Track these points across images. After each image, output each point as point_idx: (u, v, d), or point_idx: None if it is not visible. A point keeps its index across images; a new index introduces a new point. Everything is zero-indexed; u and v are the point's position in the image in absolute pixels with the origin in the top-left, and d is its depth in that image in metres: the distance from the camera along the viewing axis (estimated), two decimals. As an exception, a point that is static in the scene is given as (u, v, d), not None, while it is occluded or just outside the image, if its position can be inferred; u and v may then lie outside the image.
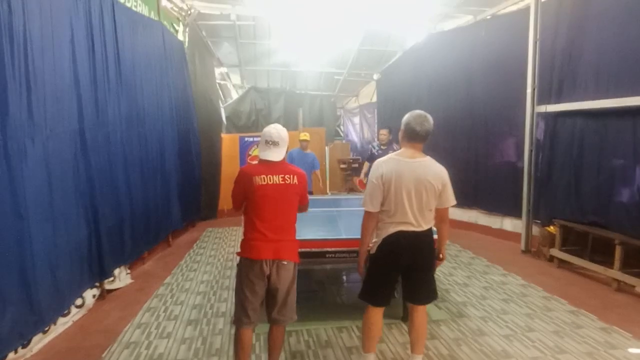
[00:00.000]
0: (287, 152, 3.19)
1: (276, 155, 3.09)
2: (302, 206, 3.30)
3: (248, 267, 3.03)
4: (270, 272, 3.01)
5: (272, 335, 3.21)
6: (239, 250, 3.15)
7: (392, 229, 3.11)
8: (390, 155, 3.22)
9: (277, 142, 3.10)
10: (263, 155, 3.10)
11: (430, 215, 3.16)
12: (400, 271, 3.23)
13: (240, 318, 3.08)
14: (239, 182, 3.11)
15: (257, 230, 3.05)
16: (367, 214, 3.21)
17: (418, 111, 3.22)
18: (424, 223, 3.13)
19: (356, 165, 13.51)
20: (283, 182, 3.06)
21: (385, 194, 3.10)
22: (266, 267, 3.00)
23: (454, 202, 3.21)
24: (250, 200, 3.06)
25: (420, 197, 3.07)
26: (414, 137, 3.15)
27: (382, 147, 7.27)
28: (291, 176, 3.10)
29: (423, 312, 3.31)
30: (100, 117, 4.94)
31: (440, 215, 3.24)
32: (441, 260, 3.39)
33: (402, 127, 3.21)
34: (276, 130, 3.14)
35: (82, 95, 4.54)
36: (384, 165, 3.15)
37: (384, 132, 7.40)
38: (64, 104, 4.22)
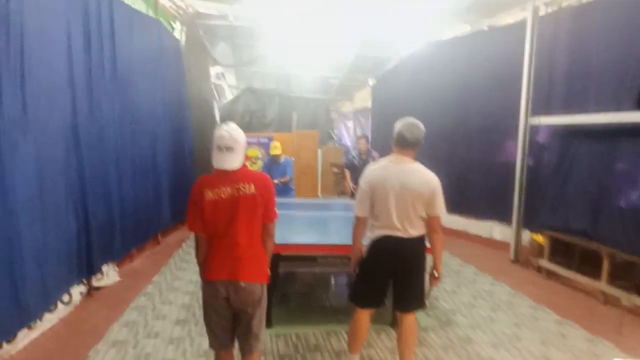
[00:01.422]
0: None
1: (231, 162, 2.60)
2: (267, 220, 2.74)
3: (205, 288, 2.74)
4: (227, 294, 2.65)
5: None
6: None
7: (379, 233, 3.20)
8: (381, 161, 3.28)
9: (231, 147, 2.60)
10: (216, 163, 2.62)
11: (419, 222, 3.16)
12: (388, 276, 3.26)
13: (210, 340, 2.81)
14: (191, 198, 2.69)
15: (212, 249, 2.70)
16: (357, 219, 3.28)
17: (409, 118, 3.27)
18: (411, 229, 3.14)
19: (349, 169, 13.55)
20: (238, 194, 2.62)
21: (373, 199, 3.16)
22: (222, 289, 2.64)
23: (442, 212, 3.18)
24: (203, 216, 2.64)
25: (404, 203, 3.09)
26: (404, 143, 3.20)
27: (361, 156, 7.21)
28: (247, 185, 2.63)
29: (410, 321, 3.29)
30: (93, 113, 4.92)
31: (430, 224, 3.20)
32: (436, 279, 3.26)
33: (394, 134, 3.25)
34: (228, 132, 2.61)
35: (76, 91, 4.53)
36: (373, 171, 3.23)
37: (362, 141, 7.35)
38: (57, 99, 4.20)
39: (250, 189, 2.63)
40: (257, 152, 11.24)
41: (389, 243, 3.16)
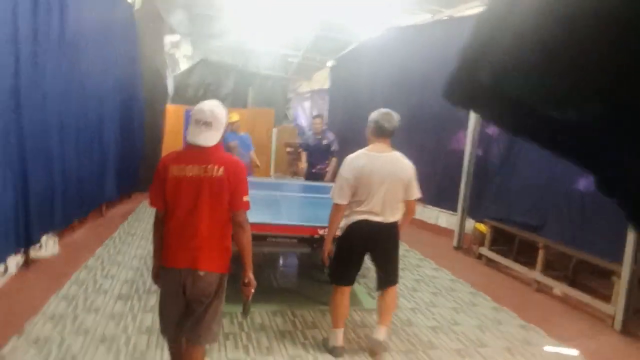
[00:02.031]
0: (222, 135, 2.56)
1: (206, 138, 2.46)
2: (234, 208, 2.53)
3: (163, 274, 2.58)
4: (185, 282, 2.48)
5: (185, 357, 2.65)
6: None
7: (359, 217, 3.36)
8: (360, 151, 3.42)
9: (209, 123, 2.45)
10: (190, 137, 2.48)
11: (398, 208, 3.42)
12: (363, 256, 3.53)
13: (161, 328, 2.67)
14: (156, 172, 2.54)
15: (172, 233, 2.53)
16: (336, 206, 3.40)
17: (384, 109, 3.46)
18: (390, 216, 3.39)
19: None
20: (203, 175, 2.44)
21: (356, 187, 3.30)
22: (180, 277, 2.48)
23: (419, 194, 3.51)
24: (165, 194, 2.49)
25: (393, 190, 3.34)
26: (383, 132, 3.40)
27: (316, 136, 7.18)
28: (215, 167, 2.45)
29: (393, 291, 3.62)
30: (37, 77, 4.65)
31: (409, 207, 3.55)
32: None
33: (370, 124, 3.44)
34: (210, 107, 2.50)
35: (19, 53, 4.26)
36: (355, 160, 3.37)
37: (317, 120, 7.29)
38: (-1, 57, 3.94)
39: (219, 171, 2.45)
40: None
41: (368, 227, 3.36)
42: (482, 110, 1.14)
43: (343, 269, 3.56)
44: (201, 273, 2.47)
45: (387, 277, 3.58)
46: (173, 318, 2.58)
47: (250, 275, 2.61)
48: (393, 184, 3.33)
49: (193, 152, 2.50)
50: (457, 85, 0.94)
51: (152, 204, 2.59)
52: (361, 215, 3.35)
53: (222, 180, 2.45)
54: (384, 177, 3.31)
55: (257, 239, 4.15)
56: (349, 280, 3.59)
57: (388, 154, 3.40)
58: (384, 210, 3.35)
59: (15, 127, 4.30)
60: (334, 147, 7.11)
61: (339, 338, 3.58)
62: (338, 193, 3.36)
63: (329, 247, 3.54)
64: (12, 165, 4.29)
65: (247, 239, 2.58)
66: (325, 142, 7.12)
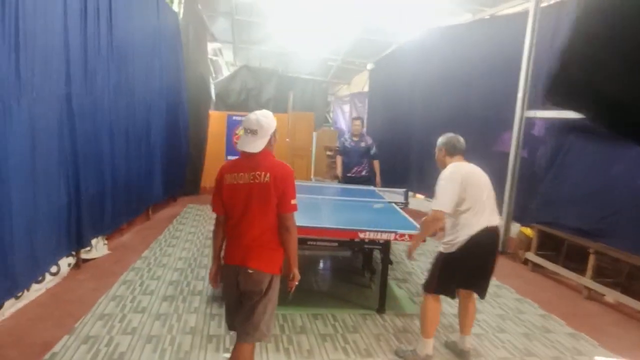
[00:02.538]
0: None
1: (252, 145, 2.63)
2: (281, 211, 2.66)
3: (223, 271, 2.82)
4: (237, 278, 2.68)
5: (233, 354, 2.77)
6: None
7: (476, 228, 3.35)
8: (454, 163, 3.51)
9: (255, 131, 2.63)
10: (240, 145, 2.68)
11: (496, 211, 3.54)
12: (478, 264, 3.46)
13: (226, 319, 2.90)
14: (216, 180, 2.79)
15: (229, 234, 2.77)
16: (441, 214, 3.36)
17: (449, 134, 3.68)
18: (494, 220, 3.47)
19: (343, 153, 13.51)
20: (252, 182, 2.63)
21: (464, 196, 3.34)
22: (234, 273, 2.69)
23: None
24: (223, 201, 2.73)
25: (492, 197, 3.52)
26: (456, 149, 3.59)
27: (353, 138, 7.11)
28: (263, 173, 2.62)
29: (474, 301, 3.69)
30: (88, 83, 4.85)
31: None
32: None
33: (442, 146, 3.63)
34: (256, 116, 2.67)
35: (71, 60, 4.45)
36: (459, 167, 3.45)
37: (357, 122, 7.22)
38: (52, 67, 4.13)
39: (266, 177, 2.62)
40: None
41: (487, 236, 3.38)
42: (580, 108, 1.10)
43: (449, 281, 3.50)
44: (250, 271, 2.63)
45: (486, 286, 3.54)
46: (230, 311, 2.80)
47: (295, 270, 2.78)
48: (491, 192, 3.51)
49: (244, 160, 2.70)
50: (557, 85, 0.92)
51: (213, 209, 2.81)
52: (476, 226, 3.35)
53: (269, 186, 2.61)
54: (484, 184, 3.47)
55: (298, 242, 4.19)
56: (454, 293, 3.62)
57: (474, 166, 3.55)
58: (491, 218, 3.42)
59: (68, 134, 4.49)
60: (374, 151, 7.06)
61: (431, 347, 3.58)
62: (448, 201, 3.32)
63: (416, 246, 3.68)
64: (65, 170, 4.49)
65: (292, 240, 2.72)
66: (363, 144, 7.07)
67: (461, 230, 3.37)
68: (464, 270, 3.44)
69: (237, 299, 2.73)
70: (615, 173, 5.20)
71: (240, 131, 10.36)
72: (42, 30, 3.91)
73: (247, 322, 2.67)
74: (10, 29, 3.45)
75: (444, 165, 3.56)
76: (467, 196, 3.35)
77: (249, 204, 2.63)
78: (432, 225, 3.48)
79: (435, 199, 3.40)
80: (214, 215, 2.83)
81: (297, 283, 2.83)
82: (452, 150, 3.58)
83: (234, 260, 2.68)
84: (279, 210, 2.65)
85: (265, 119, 2.68)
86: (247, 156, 2.67)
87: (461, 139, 3.64)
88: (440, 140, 3.67)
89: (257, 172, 2.63)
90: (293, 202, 2.68)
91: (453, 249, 3.40)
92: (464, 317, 3.68)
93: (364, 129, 7.54)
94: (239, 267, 2.65)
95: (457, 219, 3.39)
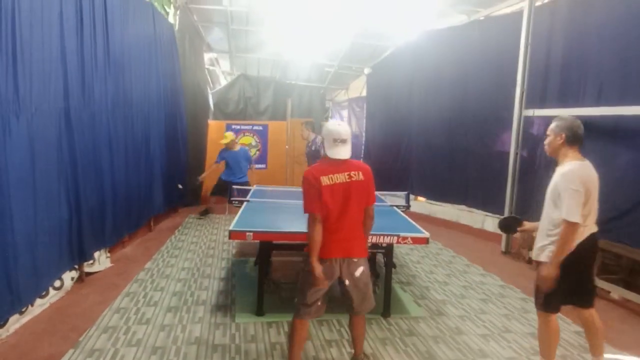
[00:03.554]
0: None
1: (345, 152, 3.05)
2: (369, 203, 3.17)
3: (320, 264, 3.02)
4: (341, 270, 3.08)
5: (354, 325, 3.35)
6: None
7: (585, 234, 3.12)
8: (576, 162, 3.13)
9: (345, 140, 3.05)
10: (332, 154, 3.04)
11: None
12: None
13: (302, 310, 3.18)
14: (308, 184, 3.02)
15: (328, 231, 3.02)
16: (572, 225, 2.97)
17: (569, 116, 3.32)
18: (595, 226, 3.21)
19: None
20: (350, 180, 3.03)
21: (585, 201, 3.04)
22: (337, 266, 3.07)
23: None
24: (321, 198, 2.99)
25: (597, 197, 3.16)
26: (579, 139, 3.18)
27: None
28: (357, 172, 3.07)
29: (594, 314, 3.34)
30: (86, 96, 4.86)
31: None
32: None
33: (565, 132, 3.17)
34: (341, 126, 3.09)
35: (68, 73, 4.46)
36: (581, 170, 3.08)
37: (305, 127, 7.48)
38: (50, 81, 4.15)
39: (360, 176, 3.06)
40: (250, 139, 11.18)
41: (594, 240, 3.19)
42: None
43: (572, 292, 3.22)
44: (355, 259, 3.11)
45: (592, 293, 3.33)
46: (318, 299, 3.14)
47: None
48: (597, 195, 3.16)
49: (335, 164, 3.06)
50: None
51: (308, 209, 3.03)
52: (588, 230, 3.12)
53: (365, 182, 3.08)
54: (597, 187, 3.13)
55: (301, 248, 4.18)
56: (558, 308, 3.29)
57: (589, 163, 3.17)
58: (594, 223, 3.18)
59: (67, 147, 4.50)
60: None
61: None
62: (580, 210, 2.96)
63: (556, 273, 3.06)
64: (66, 183, 4.49)
65: (372, 224, 3.27)
66: (313, 148, 7.10)
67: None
68: (572, 282, 3.17)
69: (327, 289, 3.14)
70: (616, 169, 5.18)
71: (240, 138, 10.39)
72: (39, 44, 3.93)
73: (364, 300, 3.21)
74: (7, 44, 3.47)
75: (557, 155, 3.23)
76: (588, 202, 3.06)
77: (348, 200, 3.02)
78: (571, 240, 3.02)
79: (565, 208, 2.99)
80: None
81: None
82: (573, 139, 3.16)
83: (339, 253, 3.06)
84: (368, 203, 3.14)
85: (347, 127, 3.13)
86: (337, 161, 3.04)
87: (582, 125, 3.19)
88: (559, 123, 3.22)
89: (353, 172, 3.05)
90: (374, 194, 3.22)
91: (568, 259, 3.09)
92: (596, 334, 3.33)
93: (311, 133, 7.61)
94: (343, 259, 3.07)
95: None
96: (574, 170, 3.06)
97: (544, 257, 3.18)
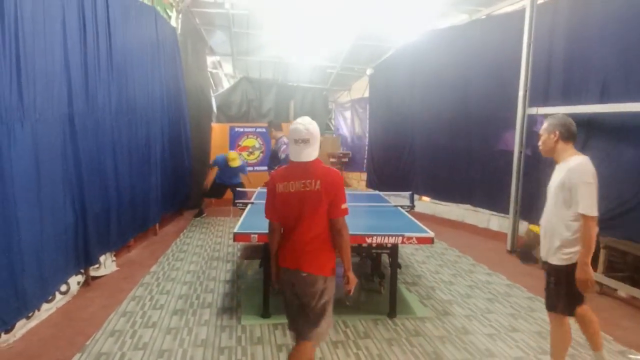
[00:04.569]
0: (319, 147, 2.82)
1: (306, 154, 2.71)
2: (332, 216, 2.74)
3: (281, 273, 2.89)
4: (293, 281, 2.79)
5: (294, 352, 2.85)
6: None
7: (596, 229, 3.05)
8: (580, 156, 3.09)
9: (307, 140, 2.70)
10: (292, 155, 2.74)
11: None
12: None
13: (288, 322, 2.97)
14: (267, 189, 2.90)
15: (284, 239, 2.85)
16: (593, 219, 2.93)
17: (560, 114, 3.26)
18: None
19: (346, 159, 13.53)
20: (304, 189, 2.70)
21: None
22: (289, 276, 2.81)
23: None
24: (275, 205, 2.83)
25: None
26: (574, 136, 3.16)
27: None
28: (313, 181, 2.69)
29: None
30: (89, 102, 4.88)
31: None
32: None
33: (558, 129, 3.14)
34: (303, 125, 2.73)
35: (72, 80, 4.48)
36: (589, 164, 3.03)
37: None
38: (53, 88, 4.17)
39: (315, 185, 2.69)
40: (254, 142, 11.21)
41: (597, 236, 3.11)
42: None
43: (576, 296, 3.13)
44: (304, 274, 2.73)
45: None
46: (289, 313, 2.92)
47: (350, 274, 2.82)
48: None
49: (295, 169, 2.76)
50: None
51: (265, 215, 2.91)
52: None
53: (320, 193, 2.69)
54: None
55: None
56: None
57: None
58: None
59: (71, 153, 4.52)
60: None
61: None
62: (596, 204, 2.92)
63: (592, 273, 2.96)
64: (71, 188, 4.52)
65: (345, 243, 2.79)
66: (275, 148, 7.00)
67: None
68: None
69: (295, 301, 2.83)
70: (621, 165, 5.16)
71: (243, 141, 10.39)
72: (42, 51, 3.95)
73: (306, 321, 2.77)
74: (11, 52, 3.49)
75: (554, 153, 3.19)
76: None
77: (301, 211, 2.71)
78: (593, 234, 2.94)
79: (582, 202, 2.92)
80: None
81: (352, 286, 2.84)
82: (567, 135, 3.12)
83: (289, 264, 2.79)
84: (330, 215, 2.74)
85: (312, 125, 2.76)
86: (298, 164, 2.74)
87: (574, 122, 3.15)
88: (551, 122, 3.19)
89: (308, 180, 2.70)
90: (343, 206, 2.76)
91: (575, 259, 3.02)
92: (590, 329, 3.31)
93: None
94: (294, 271, 2.76)
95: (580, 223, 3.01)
96: (585, 163, 3.02)
97: (557, 260, 3.11)
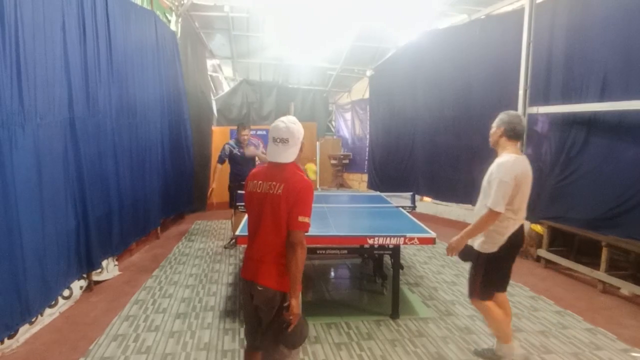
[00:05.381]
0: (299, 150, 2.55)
1: (284, 155, 2.46)
2: (289, 227, 2.39)
3: (240, 283, 2.72)
4: (251, 293, 2.51)
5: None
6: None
7: (516, 225, 3.30)
8: (511, 155, 3.26)
9: (285, 139, 2.45)
10: (269, 155, 2.52)
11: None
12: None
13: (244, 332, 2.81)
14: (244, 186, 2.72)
15: (248, 244, 2.62)
16: (495, 214, 3.16)
17: (513, 112, 3.40)
18: (523, 217, 3.38)
19: (347, 161, 13.53)
20: (267, 192, 2.46)
21: (515, 194, 3.19)
22: (247, 287, 2.53)
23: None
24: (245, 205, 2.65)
25: (528, 192, 3.32)
26: (518, 135, 3.33)
27: (241, 147, 6.86)
28: (277, 185, 2.43)
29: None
30: (90, 106, 4.89)
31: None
32: None
33: (504, 126, 3.32)
34: (284, 123, 2.48)
35: (72, 84, 4.49)
36: (515, 165, 3.20)
37: (247, 132, 6.90)
38: (54, 92, 4.17)
39: (278, 189, 2.42)
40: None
41: (522, 233, 3.37)
42: None
43: (502, 280, 3.46)
44: (260, 287, 2.44)
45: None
46: (247, 324, 2.73)
47: (293, 302, 2.38)
48: (529, 189, 3.32)
49: (270, 169, 2.54)
50: None
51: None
52: (518, 223, 3.29)
53: (280, 198, 2.40)
54: (529, 182, 3.29)
55: (307, 252, 4.19)
56: (505, 287, 3.52)
57: (525, 158, 3.35)
58: (524, 215, 3.35)
59: (73, 157, 4.53)
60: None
61: (517, 346, 3.53)
62: (502, 201, 3.13)
63: (462, 244, 3.36)
64: (72, 192, 4.52)
65: (295, 261, 2.37)
66: (248, 153, 6.88)
67: (505, 228, 3.26)
68: (504, 270, 3.40)
69: (254, 312, 2.58)
70: (622, 164, 5.16)
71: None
72: (43, 56, 3.96)
73: (265, 337, 2.52)
74: (11, 56, 3.50)
75: (497, 146, 3.39)
76: (517, 195, 3.21)
77: (262, 215, 2.46)
78: (486, 224, 3.23)
79: (490, 197, 3.17)
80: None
81: (293, 320, 2.37)
82: (512, 134, 3.29)
83: (247, 275, 2.53)
84: (287, 225, 2.40)
85: (295, 125, 2.51)
86: (274, 165, 2.50)
87: (524, 121, 3.34)
88: (501, 117, 3.37)
89: (274, 183, 2.44)
90: (301, 219, 2.37)
91: (495, 249, 3.29)
92: (506, 316, 3.53)
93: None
94: (250, 282, 2.49)
95: (503, 217, 3.22)
96: (509, 162, 3.21)
97: (477, 246, 3.37)
